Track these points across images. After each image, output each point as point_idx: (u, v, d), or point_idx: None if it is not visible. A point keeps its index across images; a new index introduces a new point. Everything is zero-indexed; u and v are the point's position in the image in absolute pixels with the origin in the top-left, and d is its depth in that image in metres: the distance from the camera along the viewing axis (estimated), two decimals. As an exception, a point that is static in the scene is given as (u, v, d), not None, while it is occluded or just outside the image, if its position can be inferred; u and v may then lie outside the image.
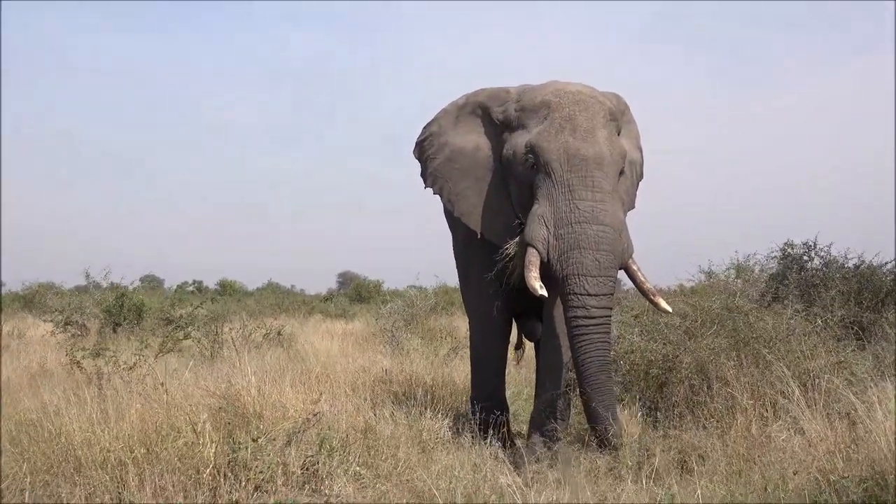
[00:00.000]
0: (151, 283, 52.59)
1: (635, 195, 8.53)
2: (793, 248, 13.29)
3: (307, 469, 6.04)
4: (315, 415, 6.48)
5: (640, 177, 8.63)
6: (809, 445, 6.16)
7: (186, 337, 13.12)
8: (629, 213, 8.28)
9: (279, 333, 15.50)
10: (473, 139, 8.30)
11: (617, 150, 7.53)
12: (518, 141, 7.69)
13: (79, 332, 16.42)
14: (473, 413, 8.35)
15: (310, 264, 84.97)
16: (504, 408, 8.74)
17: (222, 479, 5.75)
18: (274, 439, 6.13)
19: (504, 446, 7.94)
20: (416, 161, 8.84)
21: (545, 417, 7.80)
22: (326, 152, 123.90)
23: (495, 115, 8.12)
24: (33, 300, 27.52)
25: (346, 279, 52.67)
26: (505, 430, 8.37)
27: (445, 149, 8.44)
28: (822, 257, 12.96)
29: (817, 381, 7.35)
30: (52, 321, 16.78)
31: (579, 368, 7.09)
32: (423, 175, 8.70)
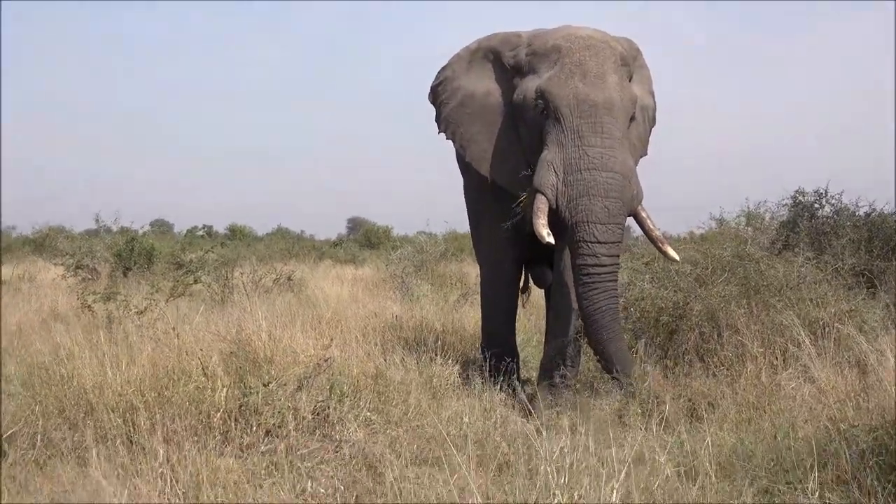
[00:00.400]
0: (161, 227, 52.54)
1: (648, 141, 8.52)
2: (804, 196, 13.17)
3: (318, 414, 6.04)
4: (326, 360, 6.48)
5: (653, 122, 8.61)
6: (819, 393, 6.17)
7: (196, 281, 13.15)
8: (642, 160, 8.29)
9: (289, 279, 15.54)
10: (485, 84, 8.28)
11: (627, 95, 7.50)
12: (528, 86, 7.66)
13: (89, 276, 16.37)
14: (485, 360, 8.38)
15: (319, 209, 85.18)
16: (514, 355, 8.79)
17: (233, 424, 5.75)
18: (285, 384, 6.12)
19: (514, 393, 7.96)
20: (431, 106, 8.80)
21: (555, 364, 7.82)
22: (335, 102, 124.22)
23: (506, 60, 8.09)
24: (44, 243, 27.52)
25: (355, 225, 52.67)
26: (515, 377, 8.34)
27: (458, 94, 8.41)
28: (833, 205, 12.83)
29: (827, 329, 7.35)
30: (62, 265, 16.75)
31: (592, 317, 7.12)
32: (437, 120, 8.67)
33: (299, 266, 21.19)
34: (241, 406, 5.84)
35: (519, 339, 9.59)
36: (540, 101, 7.45)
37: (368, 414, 6.16)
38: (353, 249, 32.38)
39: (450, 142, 8.52)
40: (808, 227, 12.52)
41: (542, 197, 7.24)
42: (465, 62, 8.51)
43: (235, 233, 44.79)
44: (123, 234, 17.91)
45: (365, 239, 38.90)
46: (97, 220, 19.02)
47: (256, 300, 10.79)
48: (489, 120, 8.16)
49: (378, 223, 42.70)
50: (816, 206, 12.97)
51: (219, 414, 5.75)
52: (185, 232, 48.35)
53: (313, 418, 6.00)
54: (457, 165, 9.26)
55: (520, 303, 9.69)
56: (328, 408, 6.06)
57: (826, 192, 12.98)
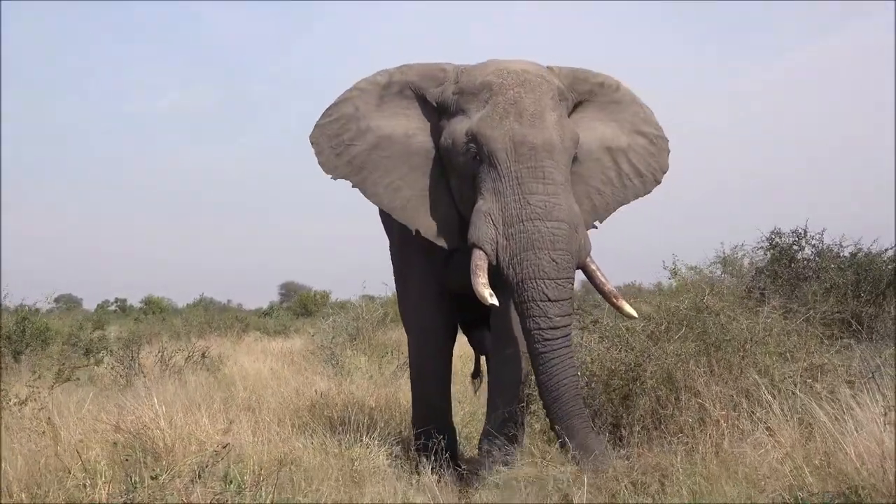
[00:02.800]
0: (68, 303, 52.46)
1: (634, 187, 8.49)
2: (781, 237, 13.24)
3: None
4: (224, 446, 6.46)
5: (661, 167, 8.60)
6: (784, 458, 6.21)
7: (97, 363, 13.10)
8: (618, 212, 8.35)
9: (203, 356, 15.42)
10: (403, 124, 8.18)
11: (568, 134, 7.49)
12: (457, 128, 7.64)
13: None
14: (416, 437, 8.43)
15: (249, 276, 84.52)
16: (449, 430, 8.76)
17: (117, 523, 5.72)
18: (178, 476, 6.11)
19: (447, 474, 7.89)
20: (313, 146, 8.36)
21: (496, 438, 7.72)
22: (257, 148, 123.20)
23: (431, 97, 8.06)
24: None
25: (288, 291, 52.60)
26: (448, 454, 8.20)
27: (368, 135, 8.19)
28: (815, 246, 12.91)
29: (796, 386, 7.35)
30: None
31: (552, 393, 7.03)
32: (327, 163, 8.27)
33: (220, 341, 21.17)
34: (125, 503, 5.77)
35: (463, 412, 9.63)
36: (471, 144, 7.43)
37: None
38: (284, 319, 32.32)
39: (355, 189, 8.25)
40: (787, 273, 12.54)
41: (481, 252, 7.21)
42: (373, 97, 8.30)
43: (151, 305, 44.58)
44: (15, 314, 17.62)
45: (300, 306, 38.76)
46: (-16, 300, 18.49)
47: (168, 382, 10.80)
48: (412, 165, 8.07)
49: (314, 288, 42.72)
50: (795, 247, 13.02)
51: (99, 512, 5.71)
52: (95, 307, 48.33)
53: (211, 511, 5.95)
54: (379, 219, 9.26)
55: (473, 388, 9.72)
56: (226, 500, 6.00)
57: (805, 231, 13.05)
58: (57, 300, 53.48)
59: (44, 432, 7.35)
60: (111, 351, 15.43)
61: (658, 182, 8.62)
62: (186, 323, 27.66)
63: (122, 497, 5.83)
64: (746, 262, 14.89)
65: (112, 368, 14.14)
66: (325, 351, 16.53)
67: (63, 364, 11.20)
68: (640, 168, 8.48)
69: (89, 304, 51.93)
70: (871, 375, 7.47)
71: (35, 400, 8.66)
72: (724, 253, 15.91)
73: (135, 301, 47.98)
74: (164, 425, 7.22)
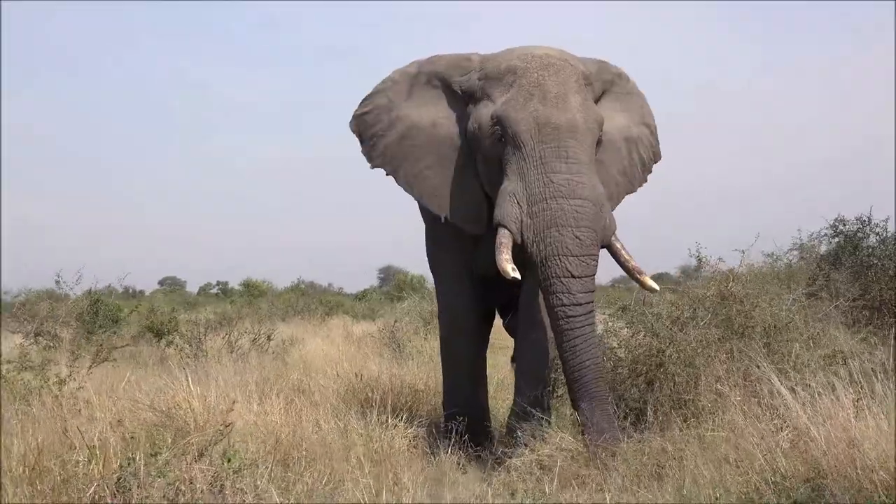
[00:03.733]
0: (172, 285, 53.40)
1: (638, 177, 8.66)
2: (845, 225, 13.05)
3: (214, 486, 5.99)
4: (227, 425, 6.55)
5: (655, 157, 8.76)
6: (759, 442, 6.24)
7: (169, 345, 13.39)
8: (628, 197, 8.45)
9: (269, 338, 15.61)
10: (431, 113, 8.39)
11: (592, 116, 7.61)
12: (483, 112, 7.79)
13: (51, 344, 16.38)
14: (446, 419, 8.54)
15: (351, 260, 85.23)
16: (480, 415, 8.85)
17: (110, 499, 5.70)
18: (183, 454, 6.17)
19: (465, 456, 7.92)
20: (355, 137, 8.78)
21: (520, 422, 7.88)
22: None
23: (457, 86, 8.21)
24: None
25: (387, 275, 52.78)
26: (478, 437, 8.33)
27: (398, 124, 8.47)
28: (878, 234, 12.64)
29: (814, 374, 7.32)
30: (20, 331, 16.95)
31: (573, 374, 7.17)
32: (366, 153, 8.66)
33: (303, 324, 21.35)
34: (118, 480, 5.78)
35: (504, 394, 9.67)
36: (497, 127, 7.58)
37: (264, 484, 6.11)
38: (376, 302, 32.45)
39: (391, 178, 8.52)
40: (851, 261, 12.32)
41: (506, 231, 7.35)
42: (403, 88, 8.58)
43: (250, 288, 44.89)
44: (87, 296, 17.82)
45: (397, 290, 38.72)
46: (58, 283, 18.55)
47: (227, 364, 10.99)
48: (440, 153, 8.26)
49: (413, 272, 42.75)
50: (860, 235, 12.83)
51: (92, 488, 5.71)
52: (197, 289, 49.15)
53: (210, 491, 5.94)
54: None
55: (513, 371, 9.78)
56: (223, 479, 6.02)
57: (870, 219, 12.81)
58: (161, 282, 54.78)
59: (80, 410, 7.58)
60: (181, 333, 15.71)
61: (651, 172, 8.82)
62: (272, 306, 27.89)
63: (115, 474, 5.83)
64: (823, 248, 14.58)
65: (180, 350, 14.46)
66: (385, 334, 16.66)
67: (101, 345, 11.46)
68: (645, 158, 8.65)
69: (192, 287, 52.90)
70: (842, 362, 7.41)
71: (74, 380, 8.87)
72: (800, 240, 15.58)
73: (235, 284, 48.56)
74: (197, 405, 7.35)
